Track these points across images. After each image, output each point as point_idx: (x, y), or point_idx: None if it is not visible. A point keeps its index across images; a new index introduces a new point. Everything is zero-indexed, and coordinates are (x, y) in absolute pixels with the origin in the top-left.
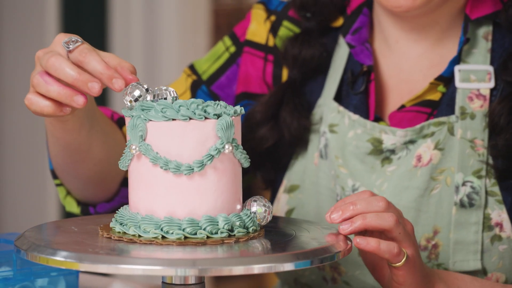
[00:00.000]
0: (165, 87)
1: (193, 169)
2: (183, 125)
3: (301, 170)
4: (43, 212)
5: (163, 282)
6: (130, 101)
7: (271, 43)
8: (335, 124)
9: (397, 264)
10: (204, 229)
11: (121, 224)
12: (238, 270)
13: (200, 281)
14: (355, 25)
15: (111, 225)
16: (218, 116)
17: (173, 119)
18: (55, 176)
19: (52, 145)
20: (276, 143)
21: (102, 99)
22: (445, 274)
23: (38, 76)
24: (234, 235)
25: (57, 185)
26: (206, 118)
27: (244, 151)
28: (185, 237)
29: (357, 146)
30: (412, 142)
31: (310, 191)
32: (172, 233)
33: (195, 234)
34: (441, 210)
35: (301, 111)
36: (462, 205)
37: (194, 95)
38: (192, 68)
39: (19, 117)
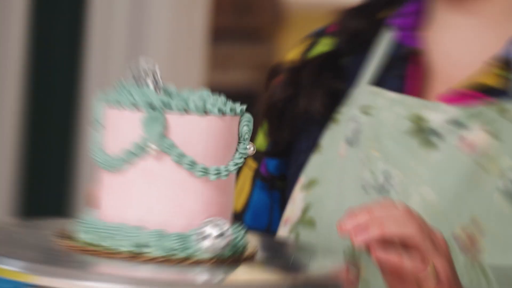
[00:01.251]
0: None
1: (115, 166)
2: (115, 113)
3: (321, 163)
4: None
5: None
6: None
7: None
8: (369, 106)
9: (423, 279)
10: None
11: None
12: None
13: None
14: (402, 10)
15: None
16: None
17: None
18: None
19: None
20: (291, 102)
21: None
22: None
23: None
24: (142, 253)
25: None
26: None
27: (192, 161)
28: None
29: (394, 125)
30: (459, 125)
31: (331, 183)
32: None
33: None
34: (483, 200)
35: (330, 84)
36: (506, 193)
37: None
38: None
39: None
